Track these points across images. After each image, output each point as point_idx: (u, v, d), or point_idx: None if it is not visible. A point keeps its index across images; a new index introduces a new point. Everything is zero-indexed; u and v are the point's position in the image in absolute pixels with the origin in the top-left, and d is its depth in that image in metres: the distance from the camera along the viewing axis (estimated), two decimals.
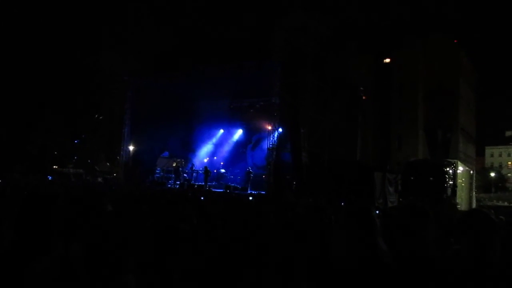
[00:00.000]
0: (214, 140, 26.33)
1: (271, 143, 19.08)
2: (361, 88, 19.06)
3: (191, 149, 25.68)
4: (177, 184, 21.42)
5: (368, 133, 19.45)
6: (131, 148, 23.14)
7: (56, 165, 24.67)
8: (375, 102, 19.35)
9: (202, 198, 10.41)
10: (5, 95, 20.18)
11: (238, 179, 22.33)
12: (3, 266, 2.10)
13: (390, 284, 2.40)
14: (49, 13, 18.10)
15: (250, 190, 19.21)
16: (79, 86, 21.45)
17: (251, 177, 20.89)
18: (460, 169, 15.47)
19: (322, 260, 2.54)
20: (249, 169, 21.48)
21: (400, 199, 17.21)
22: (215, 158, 25.65)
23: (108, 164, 24.24)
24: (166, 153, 24.52)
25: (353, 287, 2.42)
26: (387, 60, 18.99)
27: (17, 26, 18.34)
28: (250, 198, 13.06)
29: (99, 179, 21.12)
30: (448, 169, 18.02)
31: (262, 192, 17.93)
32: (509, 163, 76.89)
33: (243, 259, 3.28)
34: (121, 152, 23.24)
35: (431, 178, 17.34)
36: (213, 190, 19.26)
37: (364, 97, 19.27)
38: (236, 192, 18.49)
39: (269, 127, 19.59)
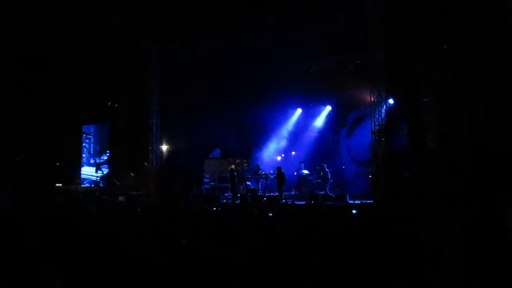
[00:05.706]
0: (289, 126, 26.40)
1: (377, 124, 18.87)
2: None
3: (254, 143, 25.93)
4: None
5: None
6: (163, 148, 23.54)
7: (60, 182, 25.71)
8: None
9: (271, 214, 10.53)
10: None
11: (330, 184, 22.21)
12: None
13: None
14: None
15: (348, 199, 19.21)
16: (83, 61, 22.04)
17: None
18: None
19: None
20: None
21: None
22: (293, 153, 25.74)
23: (132, 174, 24.86)
24: (217, 152, 24.92)
25: None
26: None
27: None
28: (354, 211, 13.01)
29: (121, 198, 21.52)
30: None
31: (369, 202, 17.85)
32: None
33: None
34: (150, 156, 23.46)
35: None
36: (292, 202, 19.38)
37: None
38: (328, 203, 18.50)
39: (372, 99, 19.38)
